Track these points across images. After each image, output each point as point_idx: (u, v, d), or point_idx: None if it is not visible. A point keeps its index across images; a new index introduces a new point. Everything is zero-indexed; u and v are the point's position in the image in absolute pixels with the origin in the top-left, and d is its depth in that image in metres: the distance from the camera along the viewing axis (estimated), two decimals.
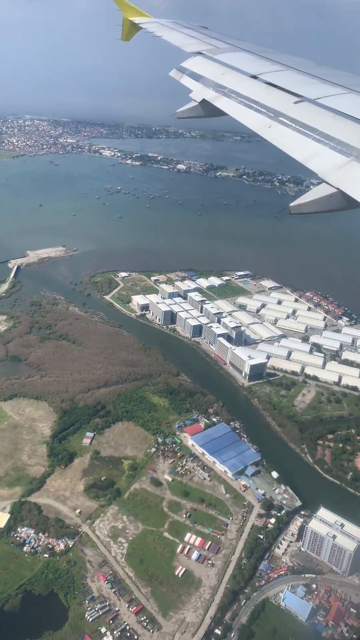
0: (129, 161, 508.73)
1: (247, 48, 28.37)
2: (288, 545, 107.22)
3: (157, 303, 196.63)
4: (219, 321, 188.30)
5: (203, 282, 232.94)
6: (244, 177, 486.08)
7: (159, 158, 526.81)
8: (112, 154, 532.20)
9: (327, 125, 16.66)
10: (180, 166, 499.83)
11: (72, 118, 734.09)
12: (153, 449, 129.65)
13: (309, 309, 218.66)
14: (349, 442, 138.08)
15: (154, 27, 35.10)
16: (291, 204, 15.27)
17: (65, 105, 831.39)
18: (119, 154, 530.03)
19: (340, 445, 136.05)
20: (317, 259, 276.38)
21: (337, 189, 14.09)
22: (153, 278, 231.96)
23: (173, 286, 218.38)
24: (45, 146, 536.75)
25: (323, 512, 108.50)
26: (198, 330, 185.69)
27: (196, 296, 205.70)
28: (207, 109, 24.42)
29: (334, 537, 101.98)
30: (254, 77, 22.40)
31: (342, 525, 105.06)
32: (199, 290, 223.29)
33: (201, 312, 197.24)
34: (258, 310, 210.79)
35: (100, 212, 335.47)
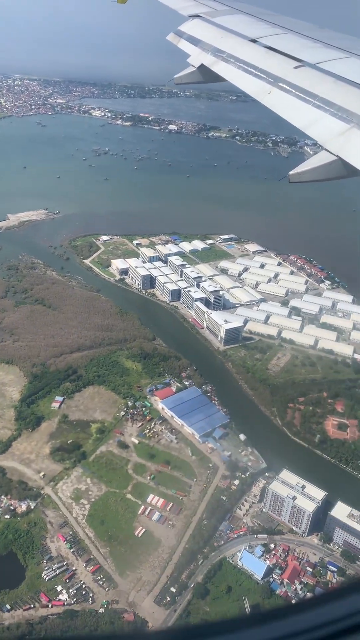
0: (119, 121, 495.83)
1: (246, 10, 27.49)
2: (250, 507, 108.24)
3: (136, 267, 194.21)
4: (198, 285, 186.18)
5: (186, 246, 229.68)
6: (237, 137, 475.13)
7: (150, 118, 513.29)
8: (102, 114, 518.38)
9: (327, 91, 16.16)
10: (172, 127, 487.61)
11: (64, 78, 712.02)
12: (122, 413, 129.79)
13: (292, 272, 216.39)
14: (319, 405, 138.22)
15: None
16: (290, 172, 14.92)
17: (58, 64, 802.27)
18: (109, 114, 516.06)
19: (311, 408, 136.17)
20: (305, 223, 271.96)
21: (337, 156, 13.69)
22: (135, 242, 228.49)
23: (154, 250, 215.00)
24: (33, 107, 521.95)
25: (285, 474, 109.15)
26: (176, 294, 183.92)
27: (176, 260, 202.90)
28: (206, 75, 23.86)
29: (294, 498, 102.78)
30: (254, 40, 21.82)
31: (303, 486, 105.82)
32: (181, 254, 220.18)
33: (181, 276, 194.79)
34: (240, 274, 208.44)
35: (85, 174, 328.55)
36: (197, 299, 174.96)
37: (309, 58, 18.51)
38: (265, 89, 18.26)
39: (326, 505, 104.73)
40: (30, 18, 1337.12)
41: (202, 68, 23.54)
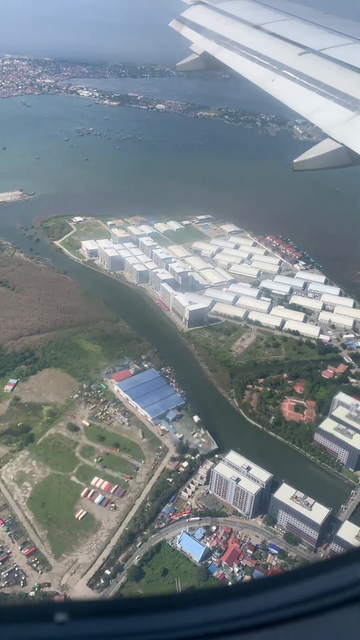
0: (106, 101, 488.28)
1: None
2: (196, 489, 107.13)
3: (105, 248, 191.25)
4: (167, 267, 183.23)
5: (161, 227, 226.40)
6: (226, 117, 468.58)
7: (139, 98, 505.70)
8: (90, 94, 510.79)
9: (332, 78, 15.84)
10: (160, 106, 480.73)
11: (55, 57, 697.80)
12: (76, 395, 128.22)
13: (266, 253, 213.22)
14: (278, 386, 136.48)
15: None
16: (295, 160, 14.87)
17: (50, 44, 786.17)
18: (97, 94, 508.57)
19: (269, 389, 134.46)
20: (286, 203, 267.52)
21: (342, 144, 13.40)
22: (109, 223, 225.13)
23: (125, 231, 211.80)
24: (20, 87, 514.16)
25: (232, 456, 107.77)
26: (145, 276, 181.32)
27: (147, 241, 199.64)
28: (208, 62, 23.60)
29: (238, 480, 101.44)
30: (257, 27, 21.49)
31: (248, 468, 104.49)
32: (155, 235, 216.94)
33: (151, 257, 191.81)
34: (213, 255, 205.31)
35: (66, 154, 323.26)
36: (164, 280, 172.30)
37: (313, 44, 18.11)
38: (269, 76, 18.19)
39: (272, 487, 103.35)
40: None
41: (205, 55, 23.25)
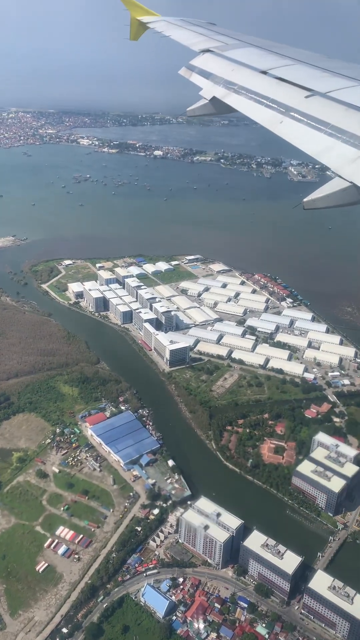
0: (105, 149, 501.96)
1: (256, 43, 28.23)
2: (165, 537, 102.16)
3: (90, 290, 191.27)
4: (150, 307, 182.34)
5: (149, 268, 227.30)
6: (222, 160, 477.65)
7: (137, 145, 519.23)
8: (90, 142, 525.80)
9: (339, 119, 16.32)
10: (157, 152, 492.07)
11: (59, 109, 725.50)
12: (48, 440, 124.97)
13: (254, 291, 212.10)
14: (258, 427, 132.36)
15: (162, 26, 35.45)
16: (305, 200, 14.71)
17: (54, 97, 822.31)
18: (96, 143, 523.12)
19: (248, 431, 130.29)
20: (276, 241, 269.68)
21: (351, 182, 13.58)
22: (98, 265, 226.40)
23: (112, 272, 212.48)
24: (22, 137, 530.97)
25: (202, 502, 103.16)
26: (128, 316, 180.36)
27: (133, 282, 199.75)
28: (218, 106, 24.31)
29: (206, 527, 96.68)
30: (264, 72, 22.22)
31: (218, 514, 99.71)
32: (143, 275, 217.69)
33: (136, 298, 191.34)
34: (200, 294, 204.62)
35: (61, 200, 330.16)
36: (146, 320, 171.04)
37: (319, 87, 18.60)
38: (277, 119, 18.47)
39: (244, 534, 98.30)
40: (29, 53, 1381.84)
41: (215, 100, 23.88)
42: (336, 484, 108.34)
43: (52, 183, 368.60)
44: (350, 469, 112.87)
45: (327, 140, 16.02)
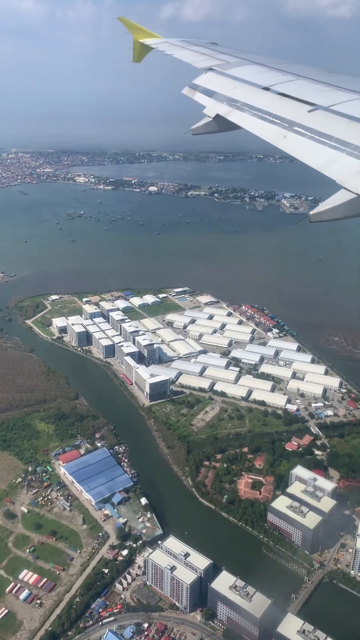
0: (101, 186, 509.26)
1: (257, 61, 28.76)
2: (133, 579, 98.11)
3: (74, 324, 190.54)
4: (134, 340, 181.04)
5: (136, 301, 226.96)
6: (216, 195, 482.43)
7: (133, 182, 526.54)
8: (87, 180, 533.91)
9: (342, 132, 16.53)
10: (152, 188, 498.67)
11: (57, 149, 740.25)
12: (19, 480, 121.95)
13: (240, 322, 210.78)
14: (236, 461, 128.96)
15: (165, 47, 35.89)
16: (311, 212, 14.73)
17: (54, 137, 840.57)
18: (92, 180, 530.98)
19: (225, 465, 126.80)
20: (265, 273, 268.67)
21: (357, 194, 13.78)
22: (84, 299, 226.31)
23: (97, 307, 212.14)
24: (20, 176, 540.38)
25: (170, 542, 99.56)
26: (111, 350, 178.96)
27: (117, 315, 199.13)
28: (221, 124, 24.71)
29: (173, 568, 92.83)
30: (266, 88, 22.56)
31: (186, 555, 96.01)
32: (129, 309, 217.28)
33: (120, 331, 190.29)
34: (185, 326, 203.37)
35: (54, 236, 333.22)
36: (128, 354, 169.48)
37: (321, 101, 18.88)
38: (281, 134, 18.70)
39: (213, 576, 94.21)
40: (19, 94, 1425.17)
41: (218, 118, 24.24)
42: (312, 520, 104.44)
43: (46, 220, 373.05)
44: (327, 504, 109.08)
45: (332, 153, 16.12)
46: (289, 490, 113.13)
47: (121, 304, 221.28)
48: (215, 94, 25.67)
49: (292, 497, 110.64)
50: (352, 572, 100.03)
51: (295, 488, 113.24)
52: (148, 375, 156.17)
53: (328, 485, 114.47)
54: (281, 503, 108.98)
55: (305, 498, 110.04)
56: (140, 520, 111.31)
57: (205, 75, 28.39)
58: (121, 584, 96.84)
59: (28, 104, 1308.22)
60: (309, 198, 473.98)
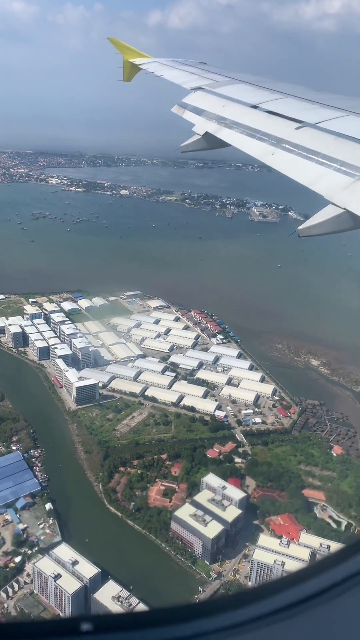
0: (72, 188, 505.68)
1: (246, 80, 29.06)
2: (20, 588, 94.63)
3: (11, 325, 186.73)
4: (70, 342, 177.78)
5: (84, 303, 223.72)
6: (187, 200, 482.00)
7: (106, 185, 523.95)
8: (59, 181, 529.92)
9: (329, 148, 16.87)
10: (124, 192, 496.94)
11: (36, 150, 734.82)
12: None
13: (186, 327, 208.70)
14: (152, 468, 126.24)
15: (154, 67, 36.53)
16: (299, 227, 15.01)
17: (33, 138, 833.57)
18: (65, 182, 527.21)
19: (140, 472, 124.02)
20: (222, 279, 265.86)
21: (344, 209, 14.00)
22: (31, 300, 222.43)
23: (38, 307, 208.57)
24: None
25: (61, 549, 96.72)
26: (46, 352, 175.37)
27: (57, 317, 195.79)
28: (210, 141, 24.79)
29: (57, 577, 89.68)
30: (255, 106, 23.02)
31: (75, 562, 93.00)
32: (75, 311, 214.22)
33: (59, 333, 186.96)
34: (129, 330, 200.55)
35: (14, 236, 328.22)
36: (60, 356, 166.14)
37: (308, 119, 19.40)
38: (269, 151, 19.06)
39: (102, 585, 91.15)
40: (13, 95, 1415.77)
41: (207, 135, 24.53)
42: (212, 530, 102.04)
43: (9, 220, 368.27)
44: (232, 513, 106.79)
45: (319, 169, 16.45)
46: (196, 498, 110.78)
47: (68, 305, 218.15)
48: (205, 112, 26.01)
49: (197, 505, 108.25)
50: (249, 583, 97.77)
51: (202, 496, 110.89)
52: (76, 379, 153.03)
53: (237, 494, 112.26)
54: (185, 512, 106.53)
55: (210, 507, 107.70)
56: (41, 526, 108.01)
57: (194, 94, 28.75)
58: (6, 592, 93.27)
59: (13, 105, 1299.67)
60: (280, 207, 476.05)
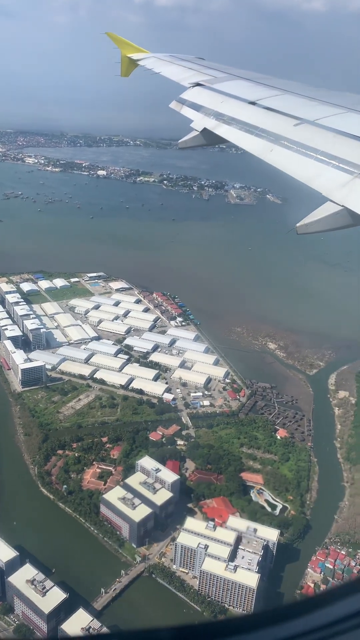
0: (49, 168, 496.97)
1: (244, 76, 28.93)
2: None
3: None
4: (22, 324, 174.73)
5: (44, 284, 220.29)
6: (165, 182, 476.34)
7: (83, 165, 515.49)
8: (36, 161, 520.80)
9: (328, 145, 16.68)
10: (101, 172, 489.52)
11: (17, 129, 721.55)
12: None
13: (146, 309, 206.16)
14: (91, 450, 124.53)
15: (152, 63, 36.40)
16: (297, 224, 14.69)
17: (16, 117, 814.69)
18: (42, 162, 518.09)
19: (77, 455, 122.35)
20: (189, 261, 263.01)
21: (342, 206, 14.02)
22: None
23: None
24: None
25: None
26: None
27: (12, 298, 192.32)
28: (209, 137, 24.62)
29: None
30: (253, 103, 22.93)
31: None
32: (34, 292, 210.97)
33: (13, 314, 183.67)
34: (87, 312, 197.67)
35: None
36: (10, 337, 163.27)
37: (307, 116, 19.21)
38: (268, 147, 18.85)
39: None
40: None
41: (205, 131, 24.41)
42: (140, 513, 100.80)
43: None
44: (162, 497, 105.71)
45: (317, 166, 16.23)
46: (127, 481, 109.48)
47: (27, 286, 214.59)
48: (203, 108, 25.83)
49: (128, 488, 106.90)
50: (173, 566, 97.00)
51: (134, 479, 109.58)
52: (22, 360, 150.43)
53: (170, 477, 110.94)
54: (114, 495, 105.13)
55: (141, 490, 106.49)
56: None
57: (192, 90, 28.53)
58: None
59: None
60: (258, 189, 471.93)
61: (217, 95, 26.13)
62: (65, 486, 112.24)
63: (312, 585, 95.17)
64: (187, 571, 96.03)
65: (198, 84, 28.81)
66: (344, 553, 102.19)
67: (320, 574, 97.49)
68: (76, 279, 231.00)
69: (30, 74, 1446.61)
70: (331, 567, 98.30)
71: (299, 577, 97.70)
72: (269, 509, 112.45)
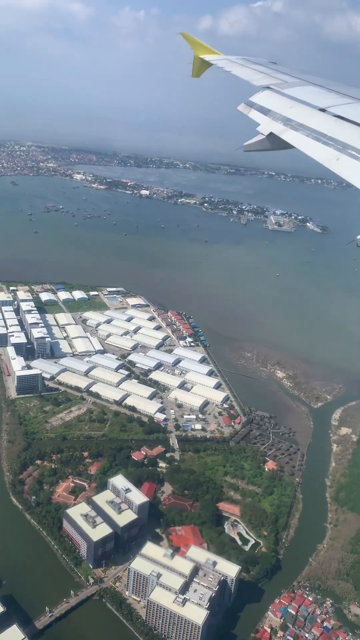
0: (94, 185, 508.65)
1: (315, 82, 29.06)
2: None
3: None
4: (30, 332, 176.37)
5: (63, 295, 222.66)
6: (206, 204, 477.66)
7: (129, 184, 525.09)
8: (83, 177, 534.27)
9: None
10: (144, 192, 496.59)
11: (71, 147, 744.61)
12: None
13: (158, 327, 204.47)
14: (70, 463, 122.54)
15: (224, 64, 36.83)
16: (358, 237, 14.91)
17: (74, 135, 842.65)
18: (89, 178, 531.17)
19: (55, 466, 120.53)
20: (211, 284, 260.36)
21: None
22: (11, 288, 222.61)
23: (9, 295, 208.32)
24: (19, 168, 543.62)
25: None
26: (4, 339, 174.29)
27: (26, 306, 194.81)
28: (274, 142, 24.97)
29: None
30: (323, 110, 22.75)
31: None
32: (52, 302, 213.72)
33: (23, 322, 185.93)
34: (98, 325, 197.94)
35: (20, 226, 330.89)
36: (13, 344, 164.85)
37: None
38: (334, 156, 18.65)
39: None
40: (65, 93, 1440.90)
41: (271, 136, 24.56)
42: (99, 532, 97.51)
43: (21, 210, 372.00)
44: (126, 518, 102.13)
45: None
46: (94, 498, 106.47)
47: (46, 296, 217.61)
48: (271, 112, 25.88)
49: (94, 505, 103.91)
50: (126, 592, 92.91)
51: (101, 497, 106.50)
52: (19, 368, 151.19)
53: (139, 498, 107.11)
54: (77, 511, 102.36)
55: (106, 508, 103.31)
56: None
57: (262, 93, 28.77)
58: None
59: (64, 102, 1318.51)
60: (299, 217, 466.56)
61: (286, 100, 26.21)
62: (34, 497, 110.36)
63: (268, 630, 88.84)
64: (138, 599, 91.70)
65: (268, 87, 29.22)
66: (310, 599, 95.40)
67: (280, 618, 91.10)
68: (95, 293, 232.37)
69: (95, 95, 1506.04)
70: (294, 612, 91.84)
71: (257, 619, 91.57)
72: (239, 543, 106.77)
